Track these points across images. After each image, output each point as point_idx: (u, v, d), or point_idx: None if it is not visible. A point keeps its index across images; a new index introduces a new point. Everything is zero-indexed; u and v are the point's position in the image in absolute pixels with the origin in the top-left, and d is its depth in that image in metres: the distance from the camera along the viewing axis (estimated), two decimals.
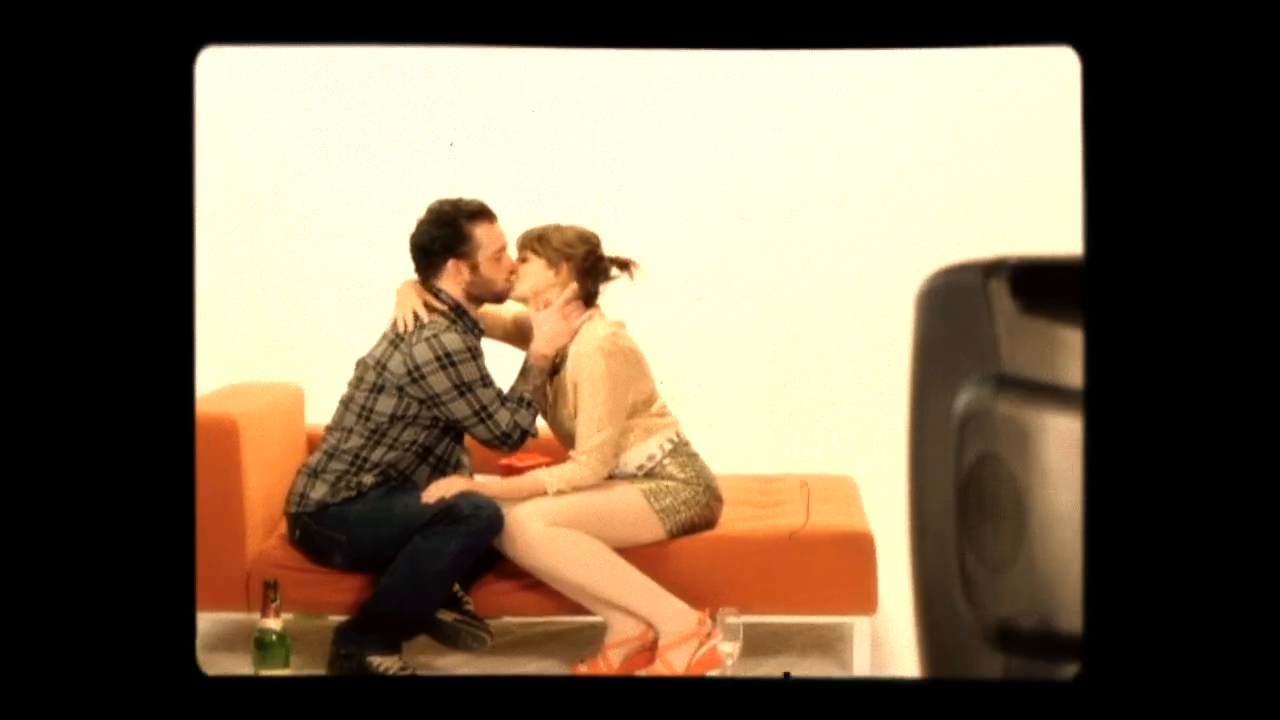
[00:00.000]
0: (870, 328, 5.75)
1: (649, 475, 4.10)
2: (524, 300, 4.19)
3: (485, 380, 4.05)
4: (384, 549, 3.92)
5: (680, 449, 4.14)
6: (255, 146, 5.80)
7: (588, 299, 4.17)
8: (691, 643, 3.98)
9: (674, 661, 3.97)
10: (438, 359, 4.00)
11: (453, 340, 4.01)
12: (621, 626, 4.00)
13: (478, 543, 3.94)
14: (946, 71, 5.75)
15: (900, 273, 5.27)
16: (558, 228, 4.15)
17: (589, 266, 4.13)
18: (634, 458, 4.10)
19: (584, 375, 4.05)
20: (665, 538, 4.07)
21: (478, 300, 4.17)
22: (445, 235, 4.10)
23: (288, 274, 5.82)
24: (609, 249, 4.21)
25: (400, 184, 5.79)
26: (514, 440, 4.07)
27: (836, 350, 5.84)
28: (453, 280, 4.12)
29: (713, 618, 3.87)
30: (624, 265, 4.20)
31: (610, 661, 3.99)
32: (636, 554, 4.05)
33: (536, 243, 4.13)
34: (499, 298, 4.18)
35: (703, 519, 4.13)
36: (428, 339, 4.02)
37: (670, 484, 4.08)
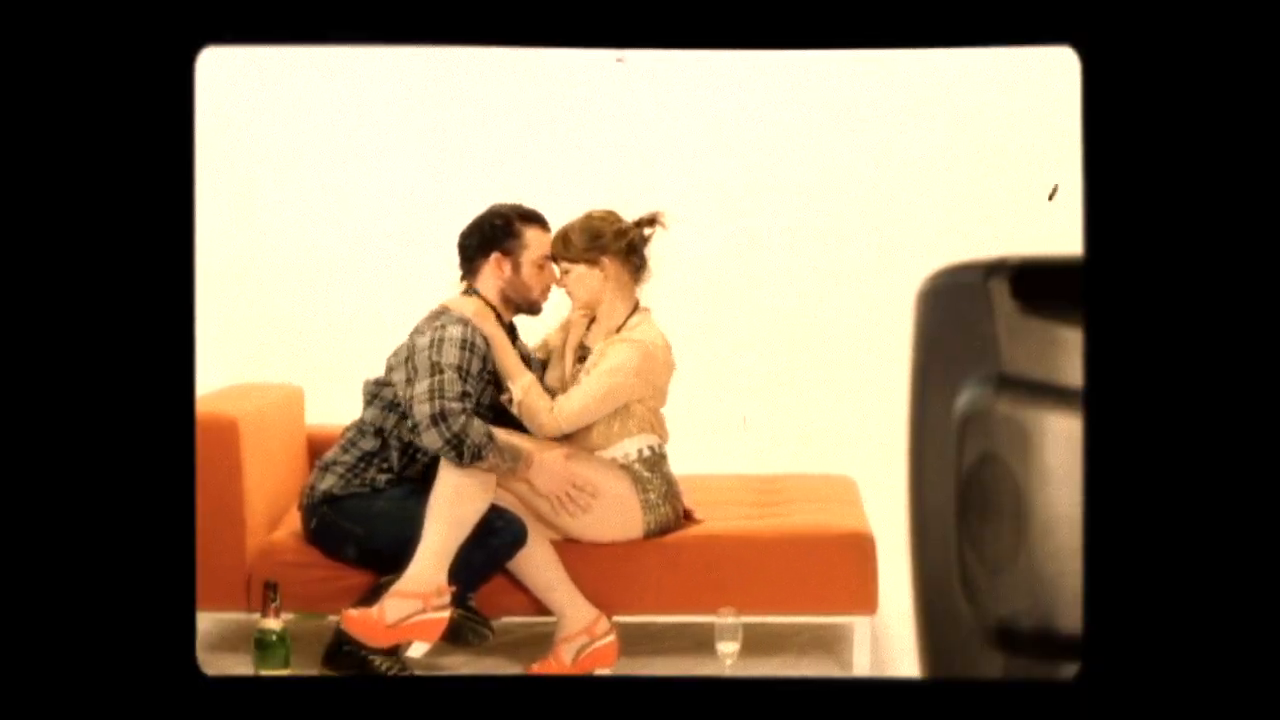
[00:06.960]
0: (870, 328, 5.75)
1: (624, 469, 4.08)
2: (589, 308, 4.14)
3: (463, 374, 3.91)
4: (401, 550, 3.90)
5: (658, 458, 4.11)
6: (255, 146, 5.80)
7: (638, 274, 4.12)
8: (582, 638, 3.99)
9: (565, 657, 3.97)
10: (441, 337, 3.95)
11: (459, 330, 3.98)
12: (572, 620, 4.00)
13: (504, 556, 3.95)
14: (947, 71, 5.75)
15: (901, 272, 5.27)
16: (572, 226, 4.07)
17: (627, 245, 4.08)
18: (616, 450, 4.08)
19: (612, 353, 4.03)
20: (642, 531, 4.06)
21: (514, 306, 4.16)
22: (498, 228, 4.09)
23: (288, 274, 5.82)
24: None
25: (400, 184, 5.79)
26: (442, 440, 3.85)
27: (837, 350, 5.83)
28: (491, 278, 4.10)
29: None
30: (651, 221, 4.13)
31: (561, 659, 3.98)
32: (637, 551, 4.05)
33: (563, 249, 4.06)
34: (533, 307, 4.16)
35: (671, 524, 4.13)
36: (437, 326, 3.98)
37: (649, 482, 4.07)
